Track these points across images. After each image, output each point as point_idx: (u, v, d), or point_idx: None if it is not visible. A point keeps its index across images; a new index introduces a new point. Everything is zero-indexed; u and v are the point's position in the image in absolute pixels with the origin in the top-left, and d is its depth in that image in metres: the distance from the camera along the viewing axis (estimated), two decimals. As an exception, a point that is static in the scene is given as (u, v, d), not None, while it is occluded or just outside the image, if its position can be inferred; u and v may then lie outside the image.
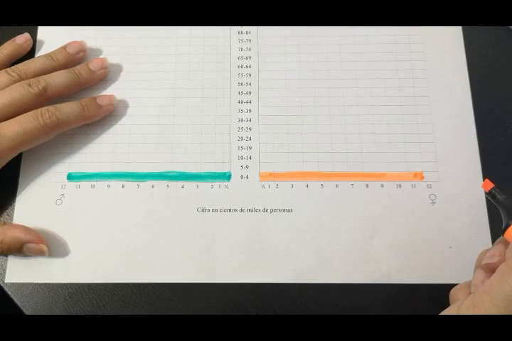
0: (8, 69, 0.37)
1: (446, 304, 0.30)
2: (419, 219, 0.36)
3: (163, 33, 0.41)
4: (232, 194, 0.37)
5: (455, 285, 0.31)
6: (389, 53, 0.40)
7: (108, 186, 0.37)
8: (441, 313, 0.27)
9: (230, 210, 0.36)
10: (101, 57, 0.40)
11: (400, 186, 0.37)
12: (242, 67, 0.40)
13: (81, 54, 0.39)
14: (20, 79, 0.36)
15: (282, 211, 0.36)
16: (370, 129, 0.38)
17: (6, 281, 0.35)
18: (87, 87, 0.39)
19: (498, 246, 0.28)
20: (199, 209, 0.36)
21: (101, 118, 0.38)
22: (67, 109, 0.36)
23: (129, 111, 0.39)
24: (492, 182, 0.29)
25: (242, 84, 0.40)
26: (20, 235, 0.34)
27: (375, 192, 0.36)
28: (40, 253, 0.34)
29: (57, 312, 0.34)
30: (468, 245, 0.35)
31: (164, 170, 0.37)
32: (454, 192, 0.36)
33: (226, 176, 0.37)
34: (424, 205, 0.36)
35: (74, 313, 0.34)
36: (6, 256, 0.35)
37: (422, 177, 0.37)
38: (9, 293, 0.35)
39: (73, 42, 0.39)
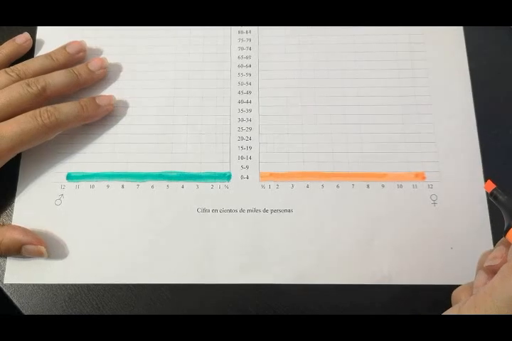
0: (7, 69, 0.37)
1: (448, 305, 0.30)
2: (420, 220, 0.36)
3: (163, 32, 0.41)
4: (233, 194, 0.36)
5: (456, 286, 0.31)
6: (390, 53, 0.40)
7: (108, 186, 0.37)
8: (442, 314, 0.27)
9: (230, 211, 0.36)
10: (100, 57, 0.40)
11: (400, 186, 0.36)
12: (242, 66, 0.40)
13: (81, 54, 0.39)
14: (20, 79, 0.36)
15: (282, 211, 0.36)
16: (370, 129, 0.38)
17: (4, 282, 0.35)
18: (86, 86, 0.39)
19: (500, 247, 0.28)
20: (199, 210, 0.36)
21: (100, 118, 0.38)
22: (66, 109, 0.36)
23: (129, 111, 0.39)
24: (494, 183, 0.29)
25: (242, 83, 0.40)
26: (18, 237, 0.34)
27: (375, 193, 0.36)
28: (38, 254, 0.34)
29: (56, 313, 0.34)
30: (469, 246, 0.35)
31: (164, 170, 0.37)
32: (455, 193, 0.36)
33: (226, 176, 0.37)
34: (425, 206, 0.36)
35: (73, 314, 0.34)
36: (5, 257, 0.35)
37: (424, 178, 0.37)
38: (8, 294, 0.34)
39: (73, 42, 0.39)
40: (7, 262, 0.35)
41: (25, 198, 0.37)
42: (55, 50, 0.39)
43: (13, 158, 0.35)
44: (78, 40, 0.39)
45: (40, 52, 0.40)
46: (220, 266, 0.35)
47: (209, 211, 0.36)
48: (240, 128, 0.38)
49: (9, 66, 0.38)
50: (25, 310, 0.34)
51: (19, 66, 0.37)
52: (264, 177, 0.37)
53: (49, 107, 0.35)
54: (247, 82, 0.40)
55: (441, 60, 0.40)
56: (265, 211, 0.36)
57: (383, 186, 0.36)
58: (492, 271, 0.28)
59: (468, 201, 0.36)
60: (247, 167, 0.37)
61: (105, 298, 0.34)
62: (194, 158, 0.37)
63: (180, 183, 0.37)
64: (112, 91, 0.39)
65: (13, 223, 0.36)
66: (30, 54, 0.40)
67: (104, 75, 0.39)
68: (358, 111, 0.38)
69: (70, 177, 0.37)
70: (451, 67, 0.39)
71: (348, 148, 0.37)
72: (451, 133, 0.38)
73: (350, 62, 0.40)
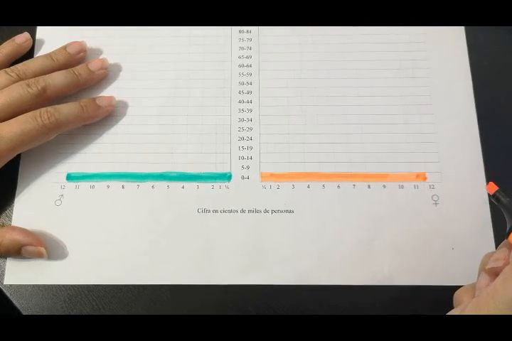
0: (7, 69, 0.37)
1: (449, 306, 0.30)
2: (422, 220, 0.35)
3: (163, 32, 0.41)
4: (233, 194, 0.36)
5: (458, 287, 0.30)
6: (391, 52, 0.40)
7: (108, 186, 0.37)
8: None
9: (230, 211, 0.36)
10: (101, 57, 0.40)
11: (402, 187, 0.36)
12: (242, 66, 0.40)
13: (81, 54, 0.39)
14: (20, 79, 0.36)
15: (283, 212, 0.36)
16: (371, 129, 0.38)
17: (4, 283, 0.35)
18: (86, 87, 0.39)
19: (503, 249, 0.28)
20: (199, 210, 0.36)
21: (100, 118, 0.38)
22: (66, 109, 0.36)
23: (129, 111, 0.39)
24: (496, 184, 0.29)
25: (242, 83, 0.39)
26: (18, 237, 0.34)
27: (377, 193, 0.36)
28: (38, 255, 0.34)
29: (56, 313, 0.34)
30: (471, 246, 0.35)
31: (164, 171, 0.37)
32: (456, 193, 0.36)
33: (227, 177, 0.37)
34: (426, 206, 0.36)
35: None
36: (5, 258, 0.35)
37: (425, 178, 0.36)
38: (8, 294, 0.34)
39: (74, 42, 0.39)
40: (7, 263, 0.35)
41: (25, 198, 0.37)
42: (56, 51, 0.39)
43: (13, 159, 0.35)
44: (78, 40, 0.39)
45: (40, 52, 0.40)
46: (220, 266, 0.35)
47: (209, 211, 0.36)
48: (241, 128, 0.38)
49: (9, 66, 0.38)
50: (25, 311, 0.34)
51: (19, 66, 0.37)
52: (264, 177, 0.37)
53: (49, 108, 0.35)
54: (247, 82, 0.39)
55: (442, 59, 0.39)
56: (266, 211, 0.36)
57: (384, 186, 0.36)
58: (494, 273, 0.28)
59: (470, 201, 0.36)
60: (248, 167, 0.37)
61: (105, 298, 0.34)
62: (194, 158, 0.37)
63: (180, 183, 0.37)
64: (112, 91, 0.39)
65: (12, 223, 0.36)
66: (30, 54, 0.40)
67: (105, 75, 0.39)
68: (359, 111, 0.38)
69: (70, 177, 0.37)
70: (452, 67, 0.39)
71: (349, 148, 0.37)
72: (453, 133, 0.37)
73: (350, 61, 0.40)
